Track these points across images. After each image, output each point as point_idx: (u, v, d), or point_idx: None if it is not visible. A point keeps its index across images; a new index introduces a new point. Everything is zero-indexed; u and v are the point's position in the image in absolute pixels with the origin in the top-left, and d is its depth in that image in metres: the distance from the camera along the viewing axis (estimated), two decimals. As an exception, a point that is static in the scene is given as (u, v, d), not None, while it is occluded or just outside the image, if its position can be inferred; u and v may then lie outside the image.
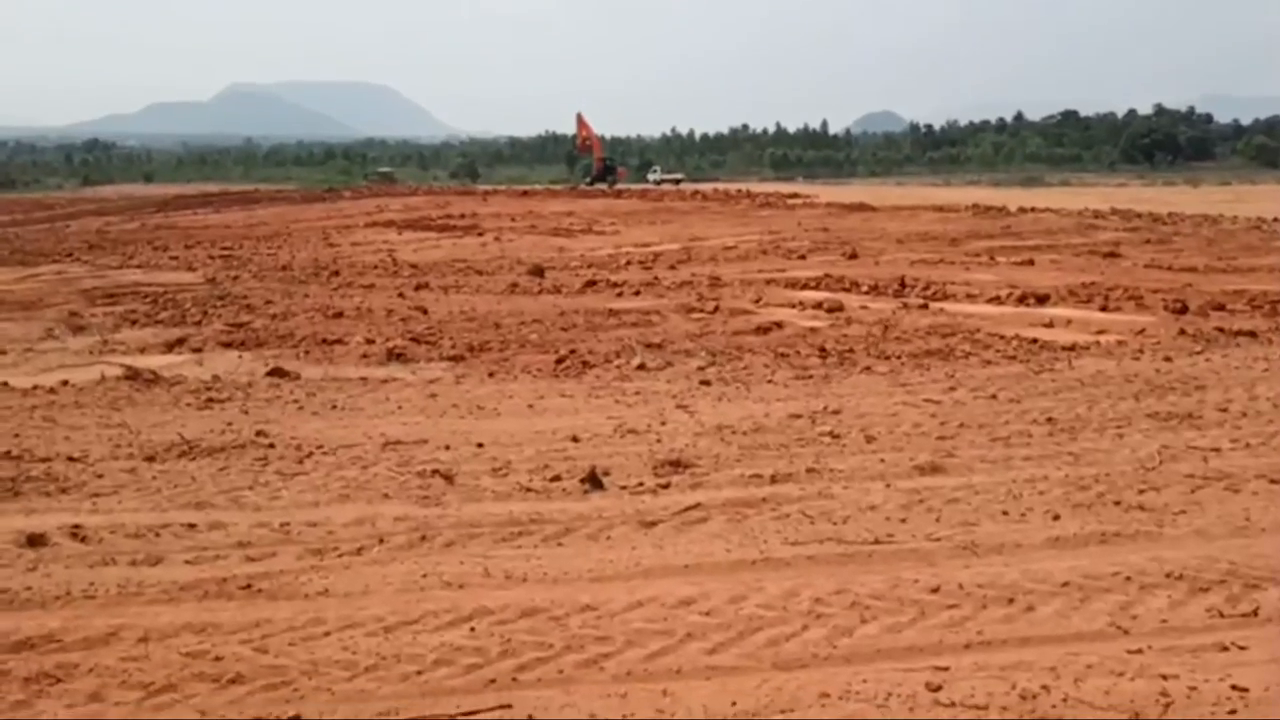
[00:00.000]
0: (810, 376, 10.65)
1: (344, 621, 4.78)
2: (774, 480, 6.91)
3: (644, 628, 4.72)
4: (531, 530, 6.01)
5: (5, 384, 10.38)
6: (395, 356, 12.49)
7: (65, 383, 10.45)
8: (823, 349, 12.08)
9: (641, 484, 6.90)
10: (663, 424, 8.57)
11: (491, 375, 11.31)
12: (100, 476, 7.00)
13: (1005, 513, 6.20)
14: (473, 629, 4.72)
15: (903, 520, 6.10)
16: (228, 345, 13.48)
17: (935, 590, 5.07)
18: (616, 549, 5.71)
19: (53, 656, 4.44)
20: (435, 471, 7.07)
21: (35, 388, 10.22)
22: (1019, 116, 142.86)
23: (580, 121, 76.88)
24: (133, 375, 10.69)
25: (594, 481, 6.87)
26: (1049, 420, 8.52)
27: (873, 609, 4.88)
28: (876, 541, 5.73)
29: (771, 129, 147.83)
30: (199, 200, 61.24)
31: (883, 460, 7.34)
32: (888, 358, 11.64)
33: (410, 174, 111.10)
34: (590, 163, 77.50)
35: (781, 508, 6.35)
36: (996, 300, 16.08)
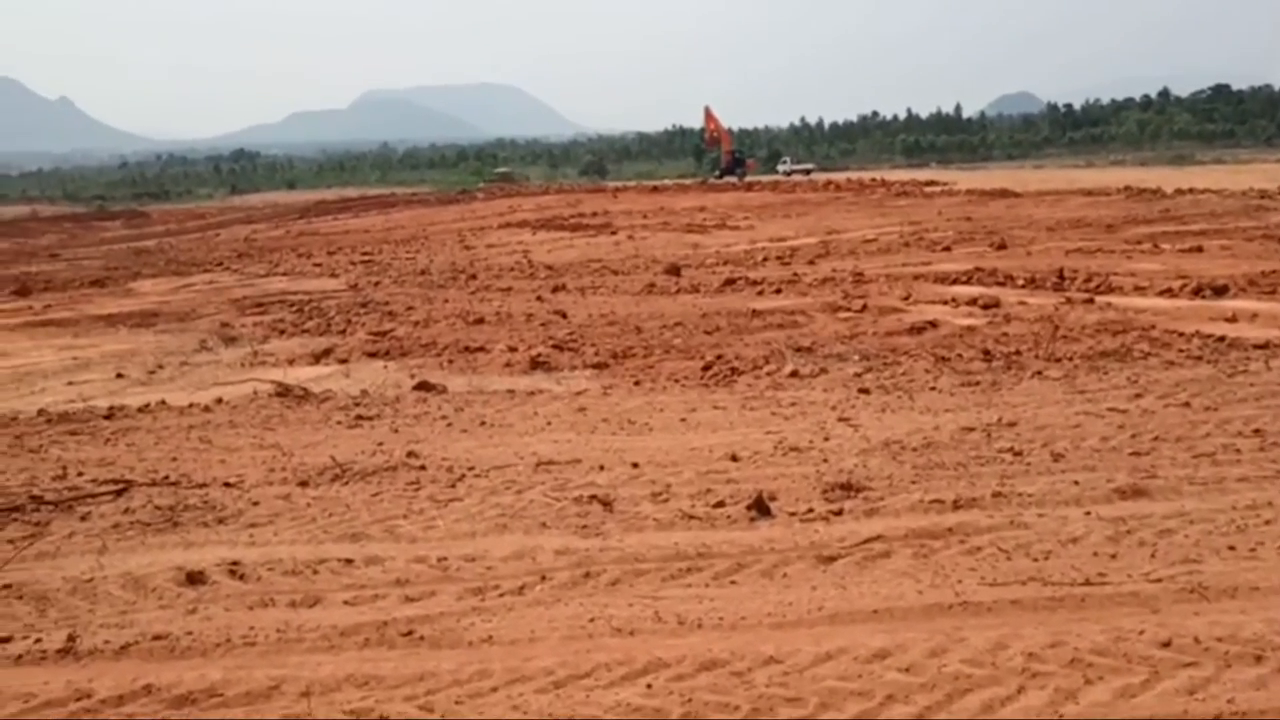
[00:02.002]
0: (976, 383, 9.97)
1: (511, 675, 4.46)
2: (957, 506, 6.35)
3: (838, 686, 4.26)
4: (700, 566, 5.60)
5: (163, 402, 10.51)
6: (539, 365, 12.29)
7: (220, 400, 10.53)
8: (986, 351, 11.35)
9: (811, 510, 6.43)
10: (825, 440, 8.07)
11: (638, 384, 10.98)
12: (256, 504, 6.89)
13: (1231, 547, 5.51)
14: (649, 685, 4.34)
15: (1112, 556, 5.47)
16: (372, 355, 13.50)
17: (1166, 644, 4.46)
18: (795, 589, 5.26)
19: (215, 712, 4.24)
20: (593, 497, 6.73)
21: (191, 406, 10.31)
22: (1164, 92, 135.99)
23: (708, 115, 76.23)
24: (284, 392, 10.71)
25: (761, 508, 6.43)
26: (1256, 432, 7.70)
27: (1097, 667, 4.31)
28: (1087, 583, 5.13)
29: (902, 115, 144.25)
30: (338, 205, 63.04)
31: (1076, 482, 6.68)
32: (1058, 360, 10.86)
33: (540, 173, 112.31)
34: (719, 156, 76.81)
35: (970, 539, 5.80)
36: (1169, 293, 14.97)
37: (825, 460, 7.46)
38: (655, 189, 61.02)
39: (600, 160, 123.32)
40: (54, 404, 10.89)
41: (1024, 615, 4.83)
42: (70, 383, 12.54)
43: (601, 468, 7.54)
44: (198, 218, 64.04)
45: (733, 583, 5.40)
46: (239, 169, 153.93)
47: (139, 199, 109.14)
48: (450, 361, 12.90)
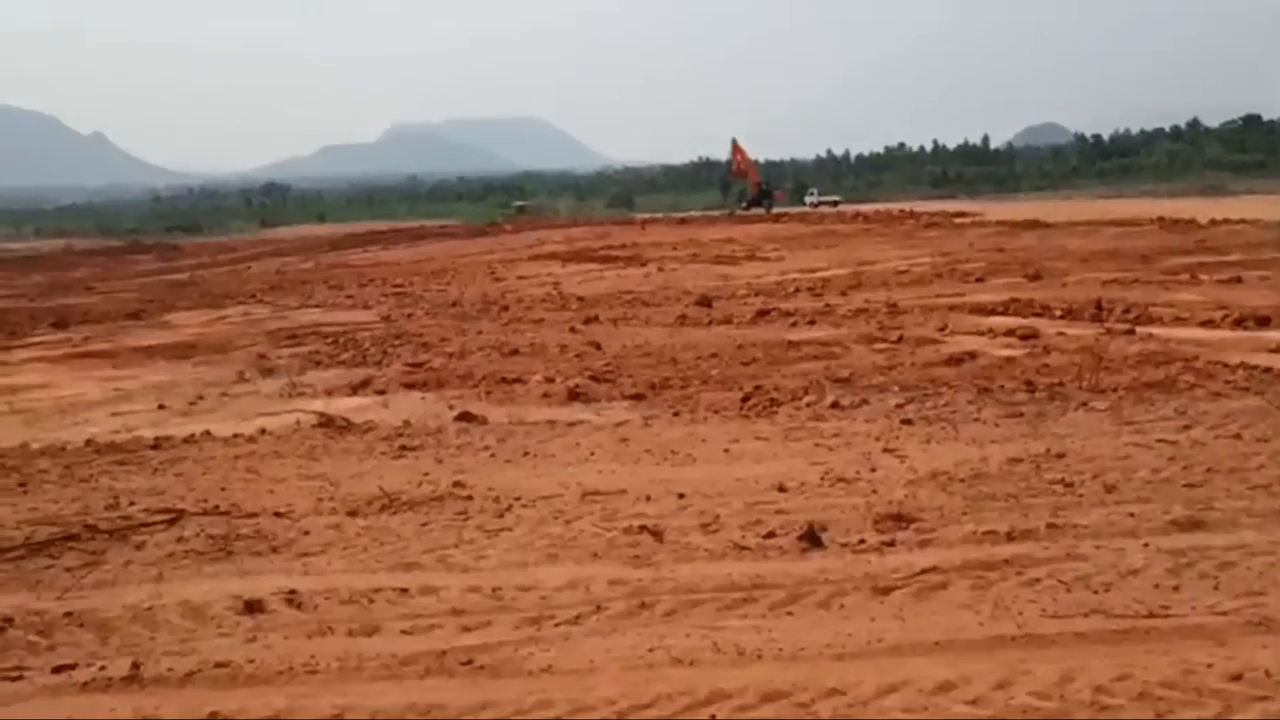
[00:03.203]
0: (1021, 414, 9.92)
1: (573, 705, 4.45)
2: (1011, 538, 6.30)
3: (904, 719, 4.23)
4: (756, 597, 5.58)
5: (208, 433, 10.60)
6: (576, 396, 12.31)
7: (263, 431, 10.61)
8: (1028, 382, 11.29)
9: (863, 541, 6.40)
10: (872, 470, 8.03)
11: (677, 415, 10.98)
12: (307, 534, 6.92)
13: (1295, 580, 5.45)
14: (713, 716, 4.32)
15: (1175, 588, 5.42)
16: (410, 386, 13.55)
17: (1237, 678, 4.41)
18: (853, 620, 5.22)
19: (280, 740, 4.25)
20: (643, 528, 6.73)
21: (236, 436, 10.39)
22: (1194, 123, 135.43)
23: (735, 147, 76.57)
24: (326, 422, 10.78)
25: (812, 539, 6.41)
26: (1310, 463, 7.61)
27: (1168, 701, 4.26)
28: (1151, 615, 5.08)
29: (929, 146, 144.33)
30: (368, 238, 63.53)
31: (1131, 514, 6.62)
32: (1102, 391, 10.78)
33: (567, 205, 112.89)
34: (745, 188, 77.08)
35: (1028, 571, 5.75)
36: (1210, 324, 14.86)
37: (874, 491, 7.43)
38: (683, 221, 61.24)
39: (627, 192, 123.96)
40: (100, 434, 10.99)
41: (1089, 648, 4.78)
42: (114, 413, 12.66)
43: (648, 498, 7.53)
44: (229, 251, 64.70)
45: (789, 614, 5.37)
46: (269, 202, 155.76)
47: (171, 232, 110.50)
48: (488, 393, 12.93)
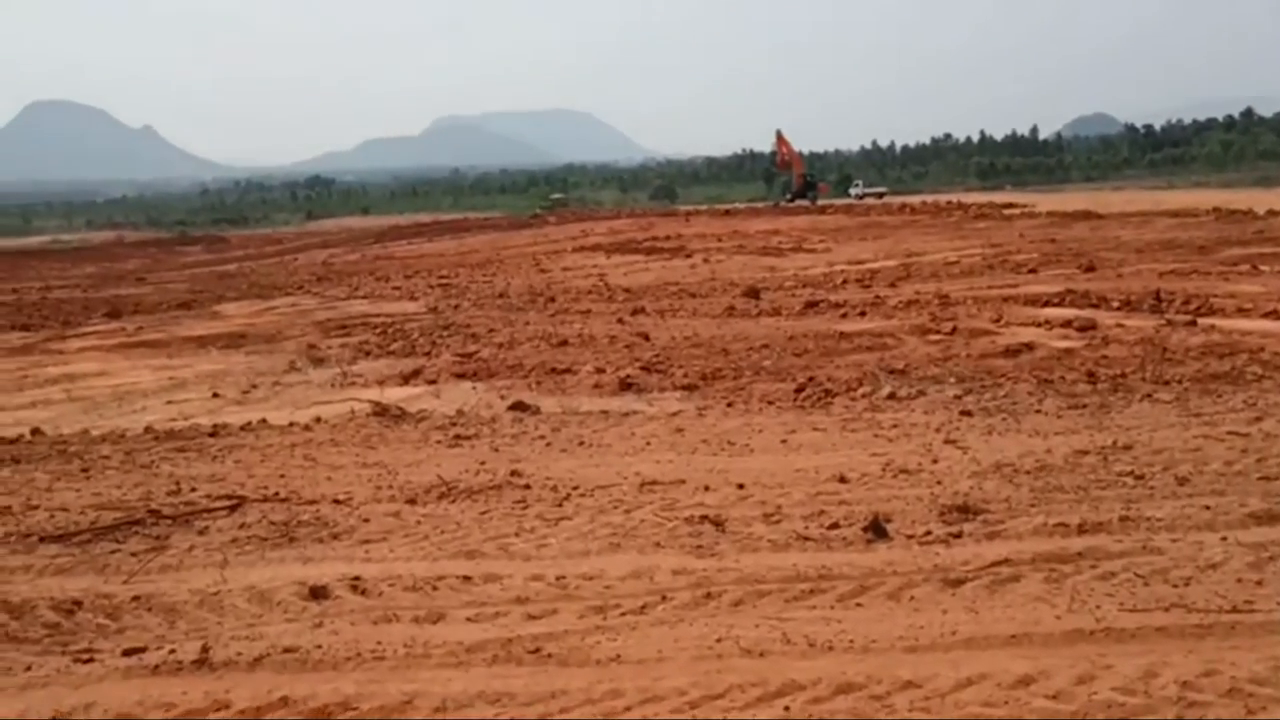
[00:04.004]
0: (1084, 405, 9.73)
1: (643, 694, 4.39)
2: (1083, 530, 6.16)
3: (984, 713, 4.13)
4: (823, 588, 5.49)
5: (264, 421, 10.66)
6: (628, 386, 12.25)
7: (319, 420, 10.65)
8: (1090, 373, 11.08)
9: (930, 533, 6.28)
10: (934, 462, 7.90)
11: (730, 406, 10.88)
12: (367, 521, 6.92)
13: (1384, 575, 5.27)
14: (787, 708, 4.24)
15: (1258, 583, 5.26)
16: (460, 376, 13.57)
17: (1330, 676, 4.26)
18: (925, 612, 5.12)
19: (352, 726, 4.23)
20: (704, 518, 6.65)
21: (292, 425, 10.45)
22: (1248, 112, 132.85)
23: (779, 138, 76.17)
24: (381, 411, 10.80)
25: (877, 529, 6.31)
26: (1388, 456, 7.39)
27: (1259, 698, 4.12)
28: (1235, 610, 4.93)
29: (975, 137, 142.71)
30: (413, 230, 63.98)
31: (1207, 507, 6.45)
32: (1166, 383, 10.56)
33: (610, 197, 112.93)
34: (789, 180, 76.64)
35: (1102, 565, 5.61)
36: (1274, 315, 14.52)
37: (938, 483, 7.30)
38: (727, 212, 61.02)
39: (670, 184, 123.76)
40: (158, 421, 11.10)
41: (1171, 643, 4.65)
42: (169, 402, 12.79)
43: (707, 488, 7.46)
44: (275, 243, 65.42)
45: (858, 605, 5.28)
46: (315, 195, 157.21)
47: (218, 224, 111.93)
48: (538, 383, 12.92)
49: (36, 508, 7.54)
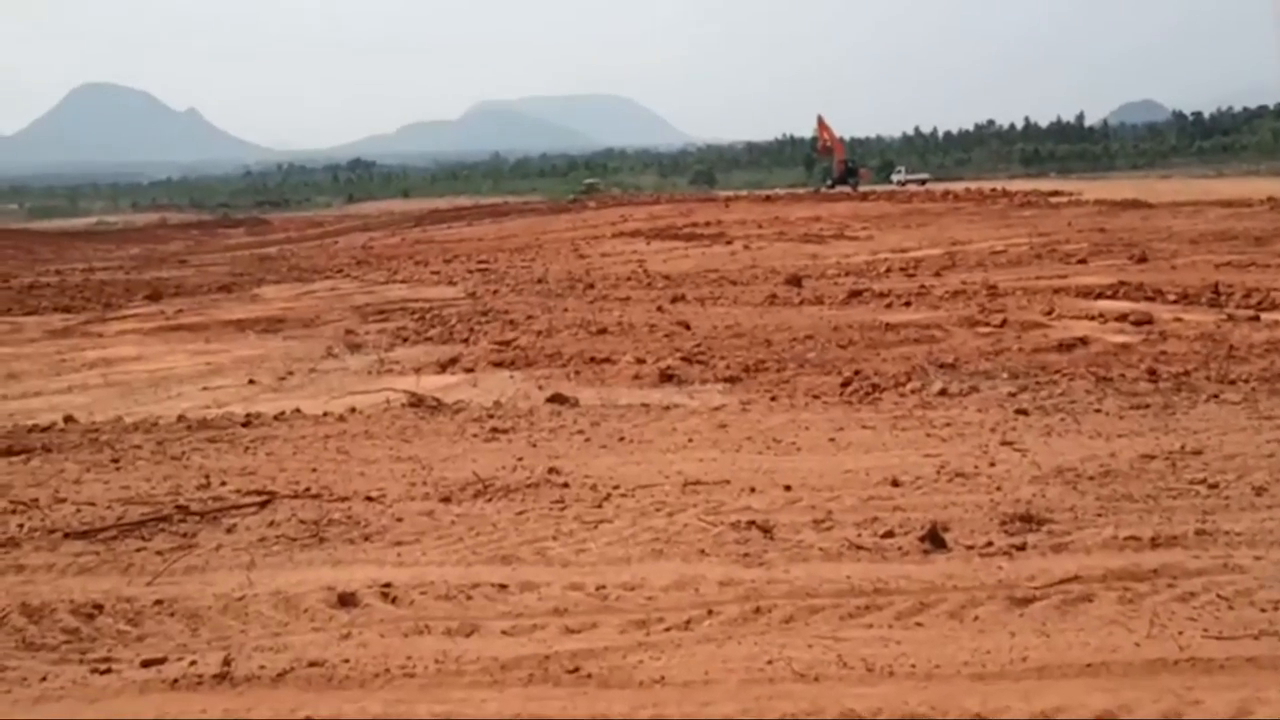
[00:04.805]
0: (1146, 405, 9.30)
1: (690, 722, 4.09)
2: (1156, 544, 5.78)
3: (1061, 754, 3.79)
4: (880, 604, 5.16)
5: (298, 410, 10.46)
6: (668, 378, 11.95)
7: (354, 410, 10.43)
8: (1150, 371, 10.63)
9: (991, 544, 5.92)
10: (991, 465, 7.53)
11: (774, 400, 10.55)
12: (399, 520, 6.66)
13: None
14: (845, 742, 3.93)
15: (1355, 608, 4.87)
16: (498, 364, 13.33)
17: None
18: (991, 634, 4.77)
19: (378, 751, 3.97)
20: (751, 523, 6.32)
21: (326, 415, 10.24)
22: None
23: (821, 124, 75.30)
24: (417, 402, 10.57)
25: (935, 539, 5.96)
26: None
27: (1366, 743, 3.76)
28: (1331, 640, 4.55)
29: (1019, 123, 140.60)
30: (452, 214, 64.00)
31: (1289, 520, 6.05)
32: (1232, 382, 10.10)
33: (650, 182, 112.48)
34: (830, 165, 75.83)
35: (1180, 584, 5.23)
36: (1344, 310, 13.96)
37: (998, 488, 6.93)
38: (768, 198, 60.43)
39: (710, 169, 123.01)
40: (192, 409, 10.94)
41: (1264, 675, 4.28)
42: (205, 388, 12.65)
43: (753, 490, 7.14)
44: (316, 225, 65.70)
45: (918, 624, 4.94)
46: (355, 178, 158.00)
47: (260, 207, 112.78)
48: (577, 372, 12.65)
49: (64, 501, 7.36)
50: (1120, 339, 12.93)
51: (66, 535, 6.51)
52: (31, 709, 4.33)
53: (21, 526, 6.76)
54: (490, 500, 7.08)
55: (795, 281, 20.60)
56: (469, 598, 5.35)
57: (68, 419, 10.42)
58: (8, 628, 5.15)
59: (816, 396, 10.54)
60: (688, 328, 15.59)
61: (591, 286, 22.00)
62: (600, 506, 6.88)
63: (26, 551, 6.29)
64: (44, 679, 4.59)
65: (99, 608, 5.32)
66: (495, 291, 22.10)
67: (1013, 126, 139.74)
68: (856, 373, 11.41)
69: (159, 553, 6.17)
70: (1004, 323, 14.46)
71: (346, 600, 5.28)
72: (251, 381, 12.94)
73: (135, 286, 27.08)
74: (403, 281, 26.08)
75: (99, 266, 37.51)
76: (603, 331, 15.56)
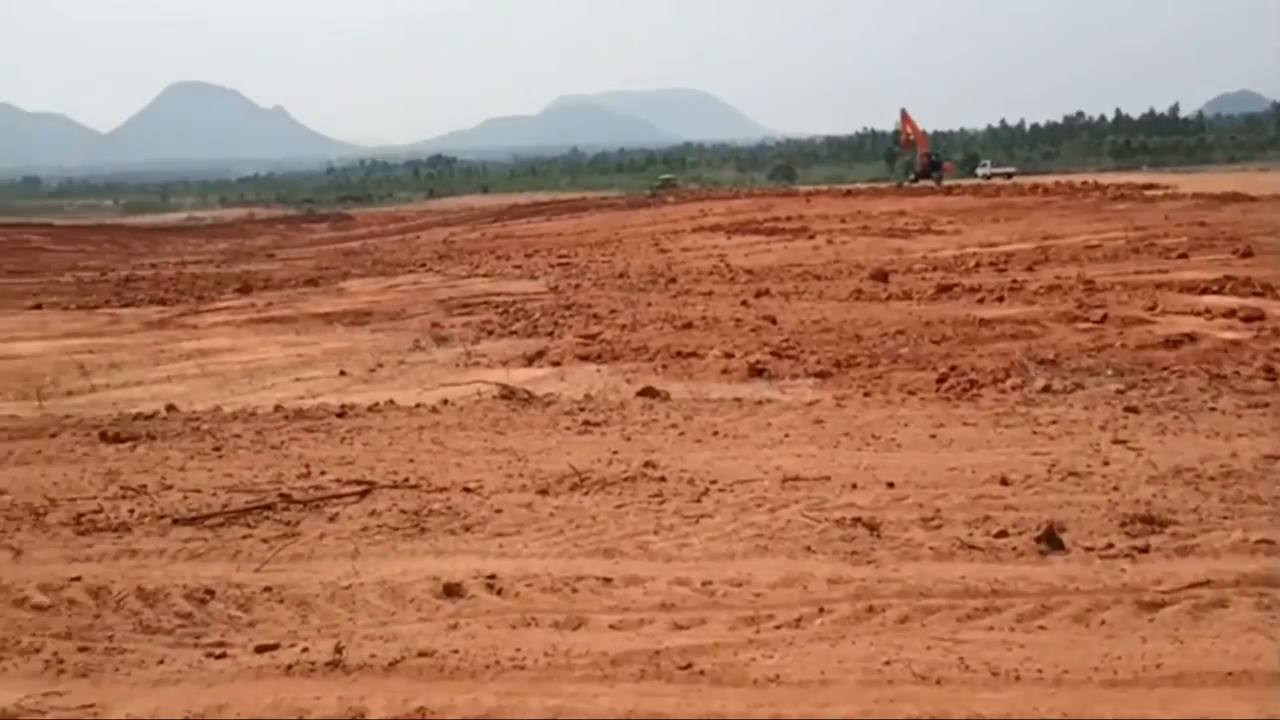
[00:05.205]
0: (1265, 404, 8.91)
1: (809, 723, 3.97)
2: (1292, 549, 5.50)
3: (1207, 768, 3.60)
4: (999, 606, 4.97)
5: (392, 402, 10.53)
6: (758, 372, 11.81)
7: (446, 401, 10.48)
8: (1267, 368, 10.21)
9: (1111, 545, 5.68)
10: (1105, 464, 7.26)
11: (868, 395, 10.35)
12: (499, 512, 6.63)
13: None
14: (974, 749, 3.78)
15: None
16: (584, 358, 13.31)
17: None
18: (1120, 640, 4.57)
19: (492, 743, 3.92)
20: (856, 520, 6.16)
21: (418, 406, 10.29)
22: None
23: (904, 117, 74.20)
24: (508, 394, 10.57)
25: (1051, 540, 5.74)
26: None
27: None
28: None
29: (1110, 115, 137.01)
30: (531, 209, 64.40)
31: None
32: (1357, 381, 9.65)
33: (728, 177, 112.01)
34: (912, 159, 74.70)
35: (1320, 591, 4.96)
36: None
37: (1114, 488, 6.67)
38: (849, 193, 59.67)
39: (789, 164, 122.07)
40: (287, 400, 11.09)
41: None
42: (297, 379, 12.84)
43: (855, 486, 6.97)
44: (398, 220, 66.68)
45: (1041, 628, 4.75)
46: (436, 174, 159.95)
47: (344, 202, 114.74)
48: (664, 366, 12.57)
49: (170, 487, 7.49)
50: (1230, 335, 12.47)
51: (175, 521, 6.61)
52: (150, 691, 4.37)
53: (132, 512, 6.89)
54: (587, 493, 7.03)
55: (881, 276, 20.27)
56: (574, 590, 5.29)
57: (169, 408, 10.64)
58: (125, 611, 5.23)
59: (912, 392, 10.32)
60: (774, 322, 15.42)
61: (673, 281, 21.90)
62: (699, 501, 6.77)
63: (138, 536, 6.40)
64: (161, 662, 4.64)
65: (210, 593, 5.37)
66: (577, 286, 22.11)
67: (1103, 118, 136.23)
68: (952, 369, 11.15)
69: (265, 540, 6.23)
70: (1105, 318, 14.04)
71: (452, 591, 5.26)
72: (342, 373, 13.09)
73: (226, 280, 27.70)
74: (485, 276, 26.26)
75: (190, 260, 38.49)
76: (688, 326, 15.46)
